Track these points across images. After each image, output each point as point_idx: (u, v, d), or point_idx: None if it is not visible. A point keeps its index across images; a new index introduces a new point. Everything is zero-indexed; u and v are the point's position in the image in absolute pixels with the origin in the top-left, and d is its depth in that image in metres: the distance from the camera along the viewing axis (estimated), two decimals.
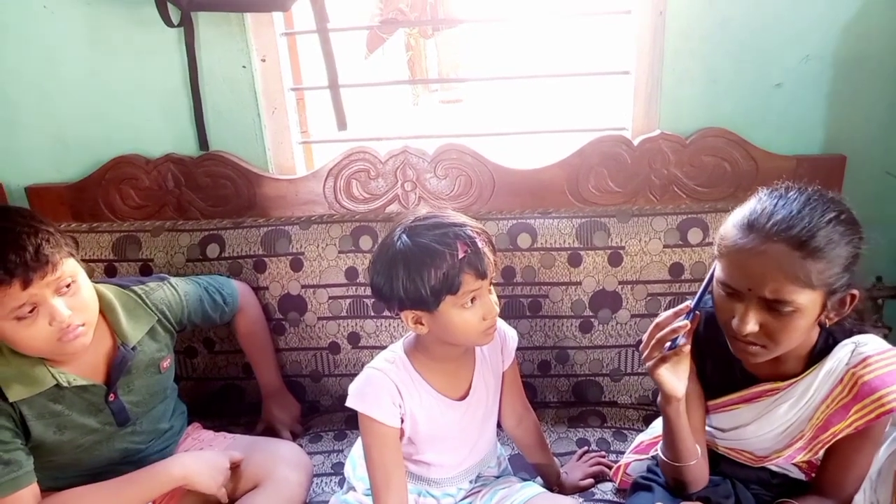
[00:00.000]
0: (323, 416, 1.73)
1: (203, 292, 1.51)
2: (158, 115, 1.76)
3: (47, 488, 1.26)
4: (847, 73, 1.56)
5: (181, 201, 1.78)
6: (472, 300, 1.09)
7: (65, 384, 1.24)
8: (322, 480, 1.48)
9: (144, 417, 1.39)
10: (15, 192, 1.85)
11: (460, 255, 1.05)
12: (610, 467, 1.43)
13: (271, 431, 1.62)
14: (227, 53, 1.69)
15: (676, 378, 1.11)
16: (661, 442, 1.21)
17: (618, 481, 1.38)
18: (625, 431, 1.58)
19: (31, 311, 1.15)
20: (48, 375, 1.23)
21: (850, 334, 1.07)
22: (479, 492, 1.29)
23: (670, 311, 1.11)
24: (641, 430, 1.50)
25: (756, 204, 1.01)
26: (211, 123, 1.75)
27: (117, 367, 1.30)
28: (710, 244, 1.48)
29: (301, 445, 1.54)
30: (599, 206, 1.66)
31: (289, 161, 1.81)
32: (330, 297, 1.67)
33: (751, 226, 0.98)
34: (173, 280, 1.48)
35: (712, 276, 1.06)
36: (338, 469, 1.50)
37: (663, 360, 1.09)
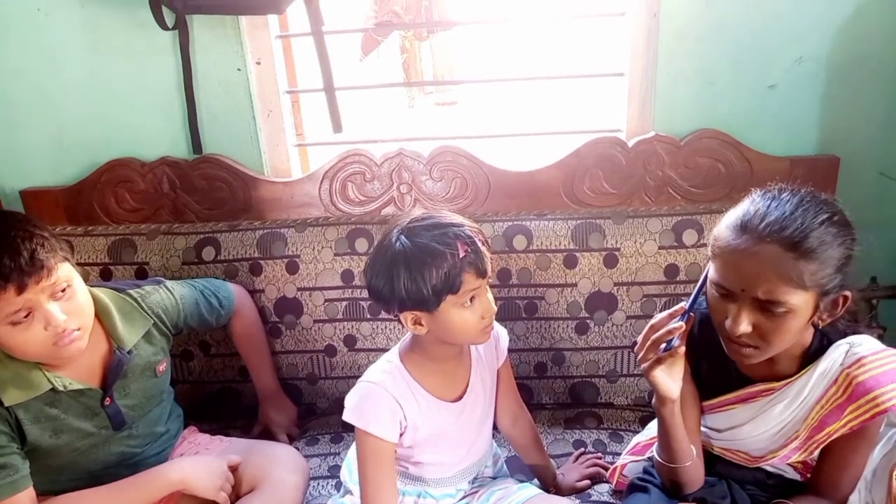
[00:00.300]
0: (319, 418, 1.73)
1: (199, 295, 1.51)
2: (153, 118, 1.76)
3: (45, 491, 1.26)
4: (841, 74, 1.57)
5: (177, 204, 1.77)
6: (472, 299, 1.10)
7: (61, 388, 1.24)
8: (319, 483, 1.48)
9: (140, 421, 1.39)
10: (10, 196, 1.85)
11: (461, 255, 1.06)
12: (606, 469, 1.43)
13: (268, 434, 1.62)
14: (222, 56, 1.69)
15: (671, 379, 1.11)
16: (656, 443, 1.21)
17: (614, 483, 1.38)
18: (621, 433, 1.59)
19: (26, 317, 1.14)
20: (44, 380, 1.23)
21: (844, 335, 1.08)
22: (476, 492, 1.29)
23: (665, 313, 1.12)
24: (638, 432, 1.50)
25: (749, 205, 1.02)
26: (206, 126, 1.75)
27: (113, 370, 1.30)
28: (705, 245, 1.48)
29: (298, 448, 1.54)
30: (595, 208, 1.66)
31: (284, 164, 1.81)
32: (326, 300, 1.67)
33: (744, 227, 0.99)
34: (169, 283, 1.48)
35: (706, 277, 1.07)
36: (334, 472, 1.50)
37: (658, 361, 1.10)
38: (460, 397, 1.23)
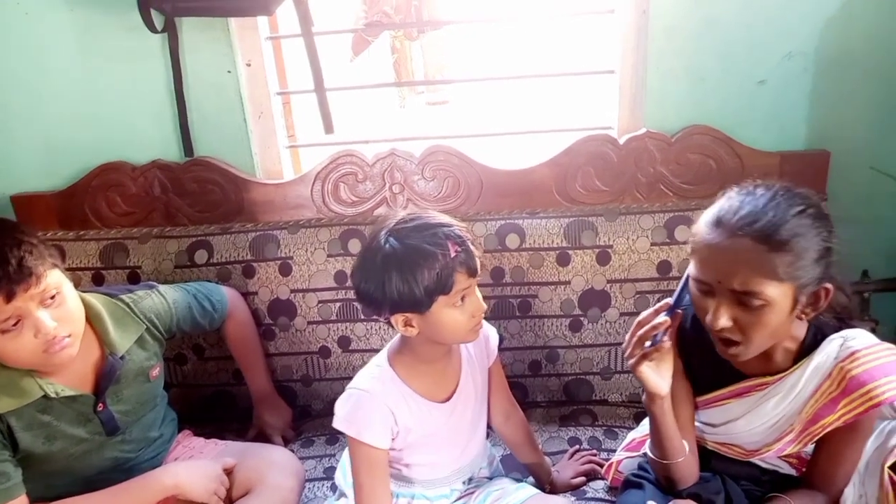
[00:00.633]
0: (314, 420, 1.72)
1: (192, 299, 1.51)
2: (144, 121, 1.75)
3: (39, 497, 1.26)
4: (830, 69, 1.58)
5: (168, 208, 1.77)
6: (463, 299, 1.10)
7: (53, 395, 1.23)
8: (314, 485, 1.48)
9: (134, 426, 1.38)
10: (0, 201, 1.83)
11: (452, 255, 1.06)
12: (601, 465, 1.43)
13: (263, 437, 1.62)
14: (212, 58, 1.68)
15: (659, 376, 1.12)
16: (648, 440, 1.22)
17: (609, 479, 1.38)
18: (616, 429, 1.59)
19: (15, 324, 1.14)
20: (36, 386, 1.22)
21: (838, 329, 1.08)
22: (472, 493, 1.29)
23: (650, 310, 1.13)
24: (632, 428, 1.50)
25: (725, 201, 1.04)
26: (197, 129, 1.74)
27: (106, 376, 1.29)
28: None
29: (293, 450, 1.54)
30: (587, 206, 1.67)
31: (276, 165, 1.81)
32: (319, 301, 1.67)
33: (718, 222, 1.01)
34: (161, 288, 1.47)
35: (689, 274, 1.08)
36: (329, 473, 1.50)
37: (644, 357, 1.11)
38: (450, 397, 1.23)
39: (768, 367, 1.12)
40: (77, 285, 1.27)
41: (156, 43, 1.66)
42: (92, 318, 1.30)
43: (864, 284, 1.70)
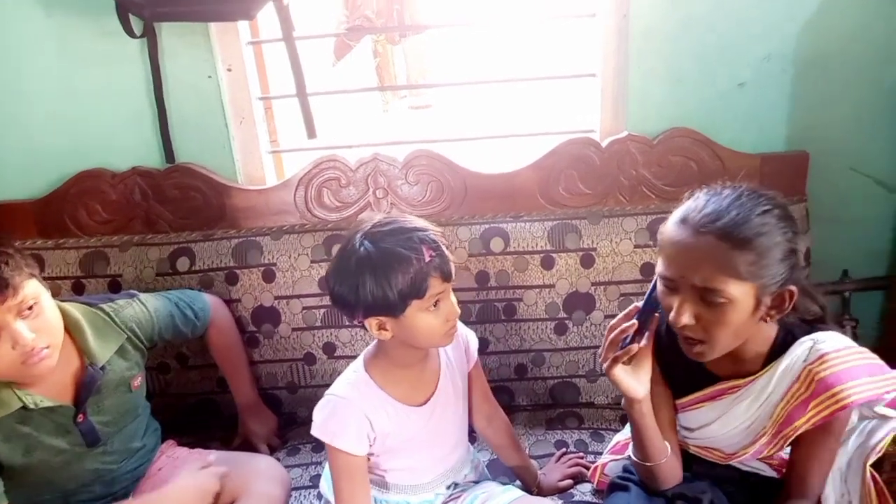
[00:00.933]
0: (300, 427, 1.71)
1: (174, 307, 1.49)
2: (123, 127, 1.73)
3: None
4: (808, 71, 1.59)
5: (149, 215, 1.75)
6: (437, 303, 1.10)
7: (32, 406, 1.21)
8: (300, 494, 1.47)
9: (115, 437, 1.36)
10: None
11: (426, 259, 1.06)
12: (588, 468, 1.43)
13: (248, 446, 1.60)
14: (192, 63, 1.67)
15: (636, 380, 1.13)
16: (631, 443, 1.22)
17: (595, 482, 1.39)
18: (602, 432, 1.59)
19: None
20: (14, 398, 1.20)
21: (810, 332, 1.09)
22: (458, 497, 1.29)
23: (622, 314, 1.14)
24: (619, 430, 1.50)
25: (691, 201, 1.06)
26: (177, 135, 1.72)
27: (86, 387, 1.27)
28: None
29: (278, 458, 1.53)
30: (570, 209, 1.67)
31: (258, 171, 1.79)
32: (304, 308, 1.66)
33: (684, 220, 1.03)
34: (143, 296, 1.45)
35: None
36: (316, 482, 1.48)
37: (615, 360, 1.12)
38: (428, 400, 1.23)
39: (739, 370, 1.13)
40: (57, 294, 1.26)
41: (135, 48, 1.65)
42: (71, 328, 1.28)
43: (844, 284, 1.72)
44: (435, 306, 1.10)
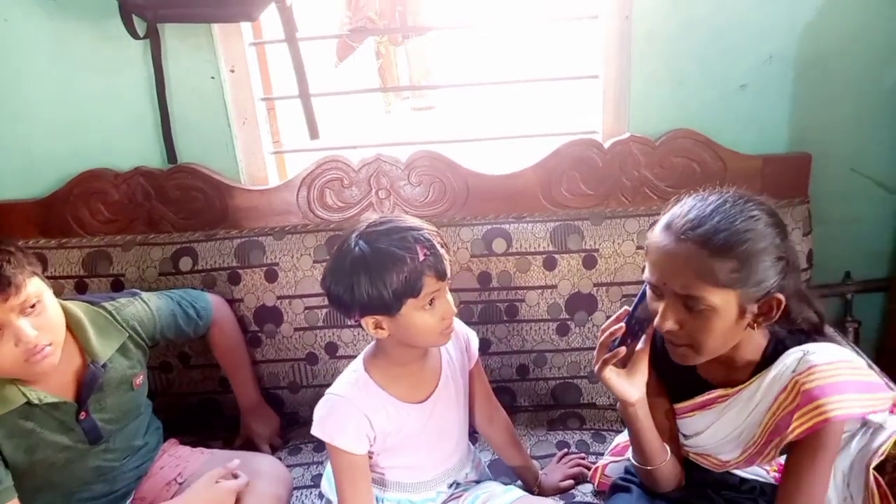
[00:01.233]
0: (302, 427, 1.71)
1: (175, 306, 1.49)
2: (126, 128, 1.74)
3: None
4: (810, 72, 1.60)
5: (152, 215, 1.75)
6: (432, 302, 1.10)
7: (36, 401, 1.22)
8: (302, 493, 1.47)
9: (117, 435, 1.36)
10: None
11: (421, 258, 1.06)
12: (589, 469, 1.43)
13: (250, 445, 1.61)
14: (196, 65, 1.67)
15: (628, 383, 1.13)
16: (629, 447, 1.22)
17: (596, 483, 1.39)
18: (603, 433, 1.59)
19: None
20: (18, 394, 1.21)
21: (803, 341, 1.07)
22: (459, 496, 1.29)
23: (612, 317, 1.14)
24: (620, 431, 1.51)
25: (677, 207, 1.05)
26: (180, 136, 1.73)
27: (88, 384, 1.28)
28: None
29: (280, 458, 1.53)
30: (572, 210, 1.67)
31: (261, 172, 1.80)
32: (306, 308, 1.66)
33: (668, 225, 1.03)
34: (145, 295, 1.46)
35: None
36: (317, 481, 1.48)
37: (605, 363, 1.12)
38: (428, 397, 1.23)
39: (730, 378, 1.12)
40: (59, 294, 1.26)
41: (137, 49, 1.65)
42: (73, 326, 1.28)
43: (845, 286, 1.72)
44: (431, 305, 1.10)
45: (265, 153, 1.79)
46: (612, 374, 1.12)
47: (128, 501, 1.40)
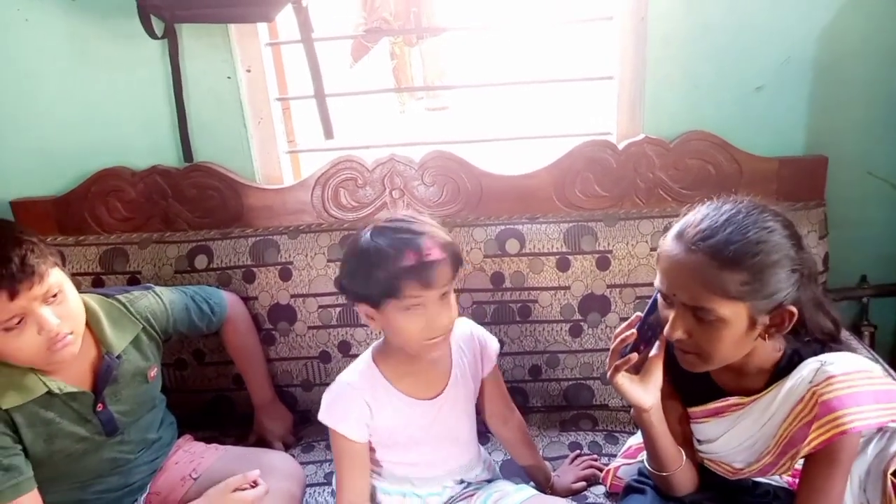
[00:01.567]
0: (315, 425, 1.69)
1: (189, 301, 1.51)
2: (143, 127, 1.76)
3: None
4: (826, 74, 1.58)
5: (168, 213, 1.77)
6: (416, 308, 1.09)
7: (56, 391, 1.24)
8: (315, 490, 1.48)
9: (132, 427, 1.38)
10: (0, 207, 1.84)
11: (405, 263, 1.06)
12: (602, 470, 1.43)
13: (263, 443, 1.62)
14: (212, 65, 1.69)
15: (641, 389, 1.12)
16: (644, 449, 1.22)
17: (608, 485, 1.38)
18: (616, 434, 1.59)
19: (18, 322, 1.14)
20: (39, 383, 1.23)
21: (820, 352, 1.06)
22: (472, 495, 1.29)
23: (625, 323, 1.14)
24: (632, 433, 1.50)
25: (690, 215, 1.04)
26: (196, 135, 1.74)
27: (103, 376, 1.29)
28: None
29: (293, 455, 1.54)
30: (586, 211, 1.67)
31: (276, 171, 1.81)
32: (320, 307, 1.67)
33: (680, 234, 1.02)
34: (158, 289, 1.48)
35: None
36: (330, 479, 1.49)
37: (616, 369, 1.11)
38: (437, 395, 1.23)
39: (744, 386, 1.12)
40: (76, 290, 1.27)
41: (155, 49, 1.67)
42: (88, 318, 1.30)
43: (862, 290, 1.71)
44: (414, 311, 1.09)
45: (280, 153, 1.80)
46: (624, 381, 1.12)
47: (143, 495, 1.41)
